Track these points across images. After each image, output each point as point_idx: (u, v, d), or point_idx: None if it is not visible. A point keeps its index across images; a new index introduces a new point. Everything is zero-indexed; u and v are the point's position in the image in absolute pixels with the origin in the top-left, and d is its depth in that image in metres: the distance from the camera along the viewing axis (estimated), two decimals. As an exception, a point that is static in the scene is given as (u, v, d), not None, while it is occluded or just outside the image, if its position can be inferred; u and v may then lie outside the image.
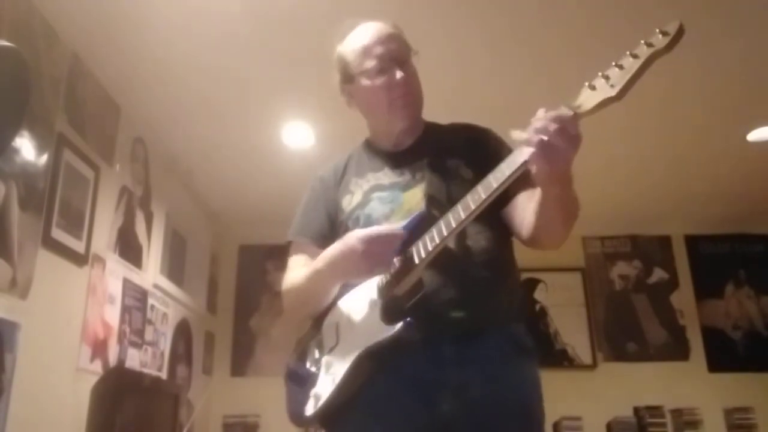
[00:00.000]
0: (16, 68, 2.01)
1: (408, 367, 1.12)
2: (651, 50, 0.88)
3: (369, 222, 1.24)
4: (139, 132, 3.03)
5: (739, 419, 4.01)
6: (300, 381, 1.26)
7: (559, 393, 4.02)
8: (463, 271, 1.17)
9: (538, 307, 4.44)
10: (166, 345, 3.34)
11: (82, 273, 2.42)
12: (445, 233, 1.06)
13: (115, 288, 2.73)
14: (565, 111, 0.94)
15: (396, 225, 1.14)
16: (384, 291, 1.14)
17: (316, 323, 1.30)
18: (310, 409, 1.19)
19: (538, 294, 4.46)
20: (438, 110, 1.44)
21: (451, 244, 1.13)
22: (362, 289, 1.19)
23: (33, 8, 2.14)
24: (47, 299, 2.16)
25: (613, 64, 0.91)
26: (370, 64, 1.30)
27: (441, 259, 1.11)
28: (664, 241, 4.60)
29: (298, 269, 1.32)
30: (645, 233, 4.59)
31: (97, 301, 2.53)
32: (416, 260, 1.09)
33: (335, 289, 1.23)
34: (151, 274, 3.15)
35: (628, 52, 0.90)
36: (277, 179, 3.57)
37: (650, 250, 4.60)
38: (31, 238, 2.08)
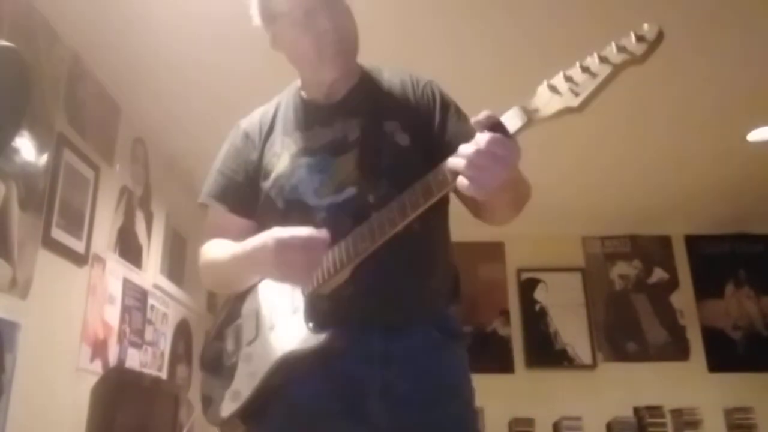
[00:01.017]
0: (16, 68, 2.01)
1: (334, 371, 1.05)
2: (623, 57, 0.77)
3: (295, 194, 1.13)
4: (139, 132, 3.03)
5: (739, 419, 4.01)
6: (215, 372, 1.17)
7: (559, 393, 4.11)
8: (394, 263, 1.06)
9: (538, 307, 4.44)
10: (166, 345, 3.34)
11: (82, 273, 2.42)
12: (377, 236, 0.99)
13: (115, 288, 2.73)
14: (498, 138, 0.86)
15: (321, 231, 1.02)
16: (309, 289, 1.06)
17: (235, 304, 1.20)
18: (226, 410, 1.10)
19: (538, 294, 4.46)
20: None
21: (381, 243, 1.02)
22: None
23: (33, 8, 2.14)
24: (47, 299, 2.16)
25: (578, 64, 0.80)
26: (294, 8, 1.14)
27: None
28: (664, 241, 4.61)
29: (215, 244, 1.21)
30: (645, 233, 4.59)
31: (97, 301, 2.53)
32: (345, 260, 1.02)
33: (255, 278, 1.14)
34: (151, 274, 3.15)
35: (596, 54, 0.78)
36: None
37: (650, 250, 4.60)
38: (31, 238, 2.08)
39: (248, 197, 1.20)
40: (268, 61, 2.60)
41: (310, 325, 1.03)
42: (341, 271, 1.03)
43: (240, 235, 1.15)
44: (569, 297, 4.44)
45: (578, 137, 3.03)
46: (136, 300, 2.93)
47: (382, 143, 1.14)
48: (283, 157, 1.18)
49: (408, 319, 1.10)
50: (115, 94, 2.75)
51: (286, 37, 1.20)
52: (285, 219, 1.11)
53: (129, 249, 2.89)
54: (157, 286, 3.21)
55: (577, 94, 0.79)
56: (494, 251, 4.32)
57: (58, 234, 2.24)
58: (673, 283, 4.51)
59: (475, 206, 1.13)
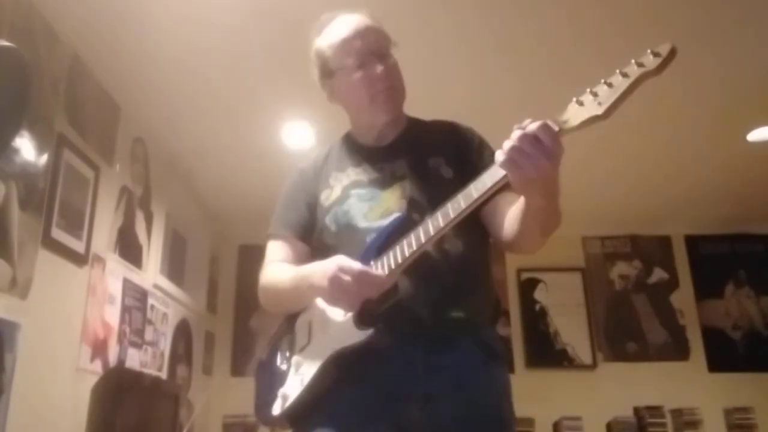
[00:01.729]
0: (16, 68, 2.01)
1: (379, 374, 1.11)
2: (641, 71, 0.86)
3: (346, 218, 1.23)
4: (139, 132, 3.03)
5: (739, 419, 4.01)
6: (269, 378, 1.25)
7: (559, 393, 4.11)
8: (438, 276, 1.15)
9: (538, 307, 4.44)
10: (166, 345, 3.34)
11: (82, 273, 2.42)
12: (423, 240, 1.05)
13: (115, 288, 2.73)
14: (541, 122, 0.92)
15: (379, 273, 1.09)
16: None
17: (289, 319, 1.29)
18: (277, 409, 1.18)
19: (538, 294, 4.46)
20: (414, 108, 1.42)
21: (428, 247, 1.10)
22: None
23: (33, 8, 2.14)
24: (47, 299, 2.16)
25: (602, 81, 0.90)
26: (350, 58, 1.28)
27: (418, 263, 1.09)
28: (664, 241, 4.61)
29: (277, 266, 1.31)
30: (645, 233, 4.59)
31: (97, 301, 2.53)
32: (393, 265, 1.08)
33: (309, 298, 1.22)
34: (151, 274, 3.15)
35: (617, 71, 0.88)
36: (278, 179, 3.51)
37: (650, 250, 4.60)
38: (31, 238, 2.08)
39: (308, 225, 1.32)
40: (268, 61, 2.62)
41: (357, 324, 1.09)
42: (390, 275, 1.08)
43: (298, 259, 1.29)
44: (569, 297, 4.44)
45: (578, 138, 3.03)
46: (136, 300, 2.93)
47: (427, 176, 1.24)
48: (335, 189, 1.30)
49: (452, 333, 1.15)
50: (115, 94, 2.75)
51: (342, 88, 1.32)
52: (338, 239, 1.23)
53: (129, 249, 2.89)
54: (157, 286, 3.21)
55: (600, 104, 0.89)
56: (494, 251, 4.31)
57: (58, 234, 2.24)
58: (673, 283, 4.51)
59: (513, 234, 1.14)
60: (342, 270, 1.06)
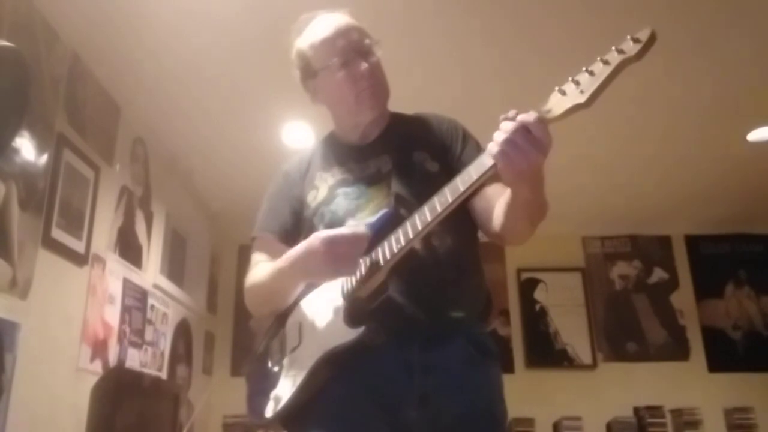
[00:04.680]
0: (16, 68, 2.01)
1: (372, 373, 1.10)
2: (621, 57, 0.86)
3: (334, 218, 1.22)
4: (139, 132, 3.03)
5: (739, 419, 4.01)
6: (261, 380, 1.24)
7: (559, 393, 4.12)
8: (428, 272, 1.14)
9: (538, 307, 4.44)
10: (166, 345, 3.34)
11: (82, 273, 2.42)
12: (411, 235, 1.04)
13: (115, 288, 2.73)
14: (533, 115, 0.93)
15: (361, 224, 1.11)
16: (348, 293, 1.12)
17: (280, 320, 1.27)
18: (269, 411, 1.17)
19: (538, 294, 4.46)
20: (406, 105, 1.42)
21: (417, 243, 1.10)
22: (327, 290, 1.17)
23: (33, 8, 2.14)
24: (47, 299, 2.16)
25: (584, 69, 0.90)
26: (333, 57, 1.26)
27: (406, 260, 1.08)
28: (664, 241, 4.61)
29: (261, 266, 1.30)
30: (645, 233, 4.59)
31: (97, 301, 2.53)
32: (381, 262, 1.07)
33: (298, 289, 1.21)
34: (151, 274, 3.15)
35: (599, 58, 0.89)
36: (277, 179, 3.56)
37: (650, 250, 4.60)
38: (31, 238, 2.08)
39: (294, 227, 1.31)
40: (267, 61, 2.62)
41: (348, 323, 1.08)
42: (378, 271, 1.08)
43: None
44: (569, 297, 4.44)
45: (578, 138, 3.03)
46: (136, 300, 2.93)
47: (413, 171, 1.23)
48: (321, 189, 1.29)
49: (446, 331, 1.14)
50: (115, 94, 2.75)
51: (326, 87, 1.31)
52: None
53: (129, 249, 2.89)
54: (157, 286, 3.21)
55: (582, 92, 0.89)
56: (494, 251, 4.27)
57: (58, 234, 2.24)
58: (673, 283, 4.51)
59: (500, 226, 1.14)
60: (330, 242, 1.06)
